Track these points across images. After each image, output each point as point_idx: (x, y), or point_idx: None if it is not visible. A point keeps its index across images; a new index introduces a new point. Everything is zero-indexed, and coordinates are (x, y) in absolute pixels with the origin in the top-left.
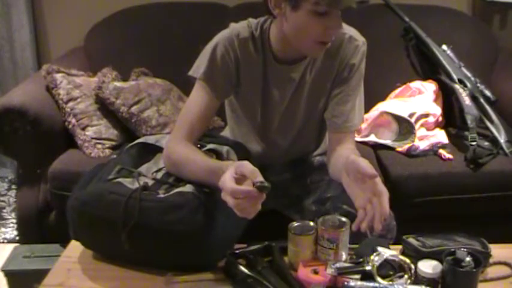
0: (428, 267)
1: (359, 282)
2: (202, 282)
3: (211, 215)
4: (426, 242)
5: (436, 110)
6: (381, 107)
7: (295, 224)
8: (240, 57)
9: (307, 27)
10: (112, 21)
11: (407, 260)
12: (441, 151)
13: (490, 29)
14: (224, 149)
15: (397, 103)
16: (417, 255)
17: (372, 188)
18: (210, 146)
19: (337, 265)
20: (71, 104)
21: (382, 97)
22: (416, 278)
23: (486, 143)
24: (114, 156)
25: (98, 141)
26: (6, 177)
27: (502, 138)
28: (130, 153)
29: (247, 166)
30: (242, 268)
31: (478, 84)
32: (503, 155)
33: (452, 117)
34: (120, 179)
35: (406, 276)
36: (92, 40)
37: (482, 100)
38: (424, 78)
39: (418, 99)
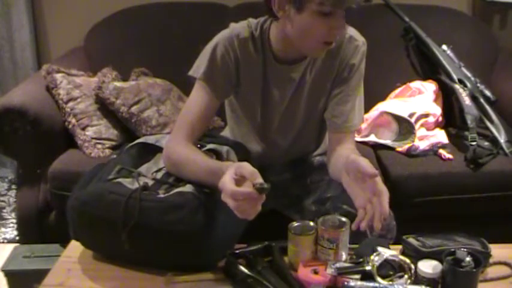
0: (428, 267)
1: (359, 282)
2: (202, 282)
3: (211, 215)
4: (426, 242)
5: (436, 110)
6: (380, 107)
7: (295, 224)
8: (240, 57)
9: (312, 28)
10: (112, 21)
11: (407, 260)
12: (441, 151)
13: (490, 29)
14: (224, 149)
15: (397, 103)
16: (417, 255)
17: (372, 188)
18: (210, 146)
19: (337, 265)
20: (71, 104)
21: (382, 97)
22: (416, 278)
23: (486, 143)
24: (114, 156)
25: (98, 141)
26: (6, 177)
27: (502, 138)
28: (130, 153)
29: (246, 167)
30: (242, 268)
31: (478, 84)
32: (503, 155)
33: (452, 117)
34: (120, 179)
35: (406, 276)
36: (92, 40)
37: (482, 100)
38: (424, 78)
39: (418, 99)
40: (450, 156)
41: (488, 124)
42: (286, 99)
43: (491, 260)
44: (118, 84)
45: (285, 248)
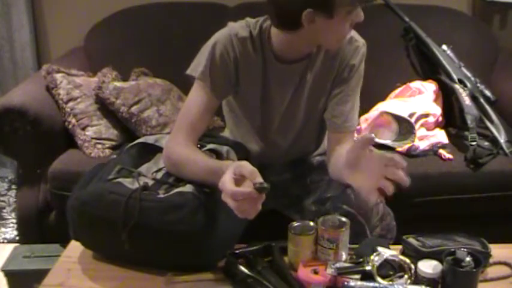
0: (428, 267)
1: (359, 282)
2: (202, 282)
3: (212, 215)
4: (426, 242)
5: (436, 110)
6: (380, 107)
7: (295, 224)
8: (238, 56)
9: (341, 26)
10: (112, 21)
11: (407, 260)
12: (441, 151)
13: (490, 29)
14: (224, 149)
15: (397, 103)
16: (417, 255)
17: (379, 161)
18: (210, 146)
19: (337, 265)
20: (71, 104)
21: (382, 97)
22: (416, 278)
23: (486, 143)
24: (114, 156)
25: (98, 141)
26: (6, 177)
27: (502, 138)
28: (131, 153)
29: (246, 166)
30: (242, 268)
31: (478, 84)
32: (503, 155)
33: (452, 117)
34: (120, 179)
35: (406, 276)
36: (92, 40)
37: (482, 100)
38: (424, 78)
39: (418, 99)
40: (450, 156)
41: (488, 124)
42: (286, 99)
43: (491, 260)
44: (118, 84)
45: (285, 248)
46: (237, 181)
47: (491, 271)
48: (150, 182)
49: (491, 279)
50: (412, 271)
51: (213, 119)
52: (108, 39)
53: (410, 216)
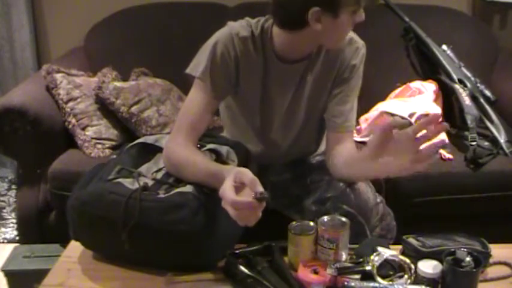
0: (428, 267)
1: (359, 282)
2: (202, 282)
3: (212, 215)
4: (426, 242)
5: (436, 110)
6: (380, 107)
7: (295, 224)
8: (239, 55)
9: (345, 27)
10: (112, 21)
11: (407, 260)
12: (441, 151)
13: (490, 29)
14: (224, 149)
15: (397, 103)
16: (417, 255)
17: (408, 136)
18: (210, 146)
19: (337, 265)
20: (71, 104)
21: (382, 97)
22: (416, 278)
23: (486, 143)
24: (114, 156)
25: (98, 141)
26: (6, 177)
27: (502, 138)
28: (131, 153)
29: (246, 174)
30: (242, 268)
31: (478, 84)
32: (503, 155)
33: (452, 117)
34: (120, 179)
35: (406, 276)
36: (92, 40)
37: (482, 100)
38: (424, 78)
39: (418, 99)
40: (450, 156)
41: (488, 124)
42: (287, 99)
43: (491, 260)
44: (118, 84)
45: (285, 248)
46: (237, 188)
47: (491, 271)
48: (150, 182)
49: (491, 279)
50: (412, 271)
51: (213, 119)
52: (108, 39)
53: (410, 216)
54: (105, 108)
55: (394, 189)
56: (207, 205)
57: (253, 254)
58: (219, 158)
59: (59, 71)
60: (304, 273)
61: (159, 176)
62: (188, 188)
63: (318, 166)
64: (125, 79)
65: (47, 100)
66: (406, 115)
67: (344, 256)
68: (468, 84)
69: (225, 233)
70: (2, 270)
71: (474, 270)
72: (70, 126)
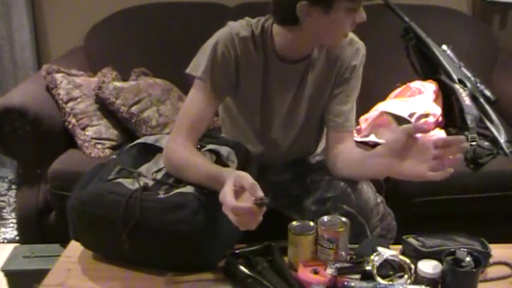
0: (428, 267)
1: (359, 282)
2: (202, 282)
3: (212, 215)
4: (426, 242)
5: (436, 110)
6: (380, 107)
7: (295, 224)
8: (239, 56)
9: (340, 24)
10: (112, 21)
11: (407, 260)
12: None
13: (490, 29)
14: (224, 149)
15: (397, 103)
16: (417, 255)
17: (431, 145)
18: (210, 146)
19: (337, 265)
20: (71, 104)
21: (382, 97)
22: (416, 278)
23: (486, 143)
24: (114, 156)
25: (98, 141)
26: (6, 177)
27: (502, 138)
28: (131, 153)
29: (247, 179)
30: (242, 268)
31: (478, 84)
32: (503, 155)
33: (452, 117)
34: (120, 180)
35: (406, 276)
36: (92, 40)
37: (482, 100)
38: (424, 78)
39: (418, 99)
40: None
41: (488, 124)
42: (287, 99)
43: (491, 260)
44: (118, 84)
45: (285, 248)
46: (237, 192)
47: (491, 271)
48: (150, 183)
49: (491, 279)
50: (412, 271)
51: (213, 119)
52: (108, 39)
53: (411, 216)
54: (105, 108)
55: (395, 190)
56: (207, 205)
57: (253, 254)
58: (219, 159)
59: (59, 71)
60: (304, 273)
61: (159, 176)
62: (188, 189)
63: (318, 166)
64: (124, 79)
65: (47, 100)
66: (406, 115)
67: (344, 256)
68: (468, 84)
69: (225, 233)
70: (2, 270)
71: (474, 270)
72: (70, 126)
